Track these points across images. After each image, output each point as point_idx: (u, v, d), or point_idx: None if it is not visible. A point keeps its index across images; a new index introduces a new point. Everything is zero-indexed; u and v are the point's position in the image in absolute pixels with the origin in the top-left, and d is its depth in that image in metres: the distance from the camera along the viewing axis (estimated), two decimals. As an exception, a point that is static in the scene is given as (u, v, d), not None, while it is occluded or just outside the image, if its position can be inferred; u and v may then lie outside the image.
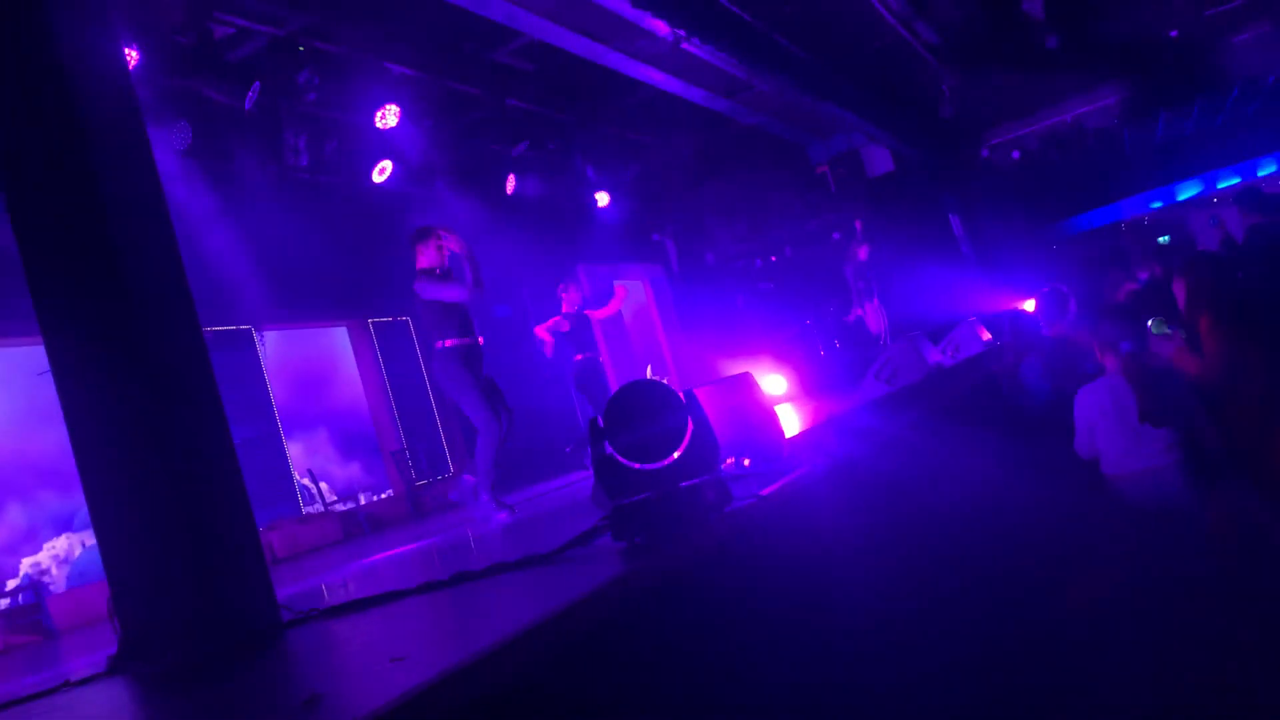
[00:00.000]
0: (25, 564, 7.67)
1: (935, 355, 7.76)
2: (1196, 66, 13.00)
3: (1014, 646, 3.22)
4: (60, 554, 7.72)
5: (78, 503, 7.61)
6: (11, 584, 7.38)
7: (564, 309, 8.93)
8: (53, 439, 7.32)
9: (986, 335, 9.21)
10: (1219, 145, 15.23)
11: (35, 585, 6.95)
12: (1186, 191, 16.17)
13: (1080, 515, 4.10)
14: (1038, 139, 14.90)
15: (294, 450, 9.58)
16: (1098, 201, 16.25)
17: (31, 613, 6.52)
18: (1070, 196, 15.73)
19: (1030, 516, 4.01)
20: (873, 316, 12.39)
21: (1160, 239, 17.33)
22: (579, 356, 8.85)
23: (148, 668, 3.16)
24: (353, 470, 10.65)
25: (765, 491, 3.25)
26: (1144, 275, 10.17)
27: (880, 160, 14.56)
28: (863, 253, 12.51)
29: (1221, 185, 15.86)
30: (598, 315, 9.10)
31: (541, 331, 8.82)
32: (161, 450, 3.30)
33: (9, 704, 3.15)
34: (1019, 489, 4.27)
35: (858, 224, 13.36)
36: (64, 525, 8.01)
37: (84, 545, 7.61)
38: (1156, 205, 16.70)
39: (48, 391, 3.53)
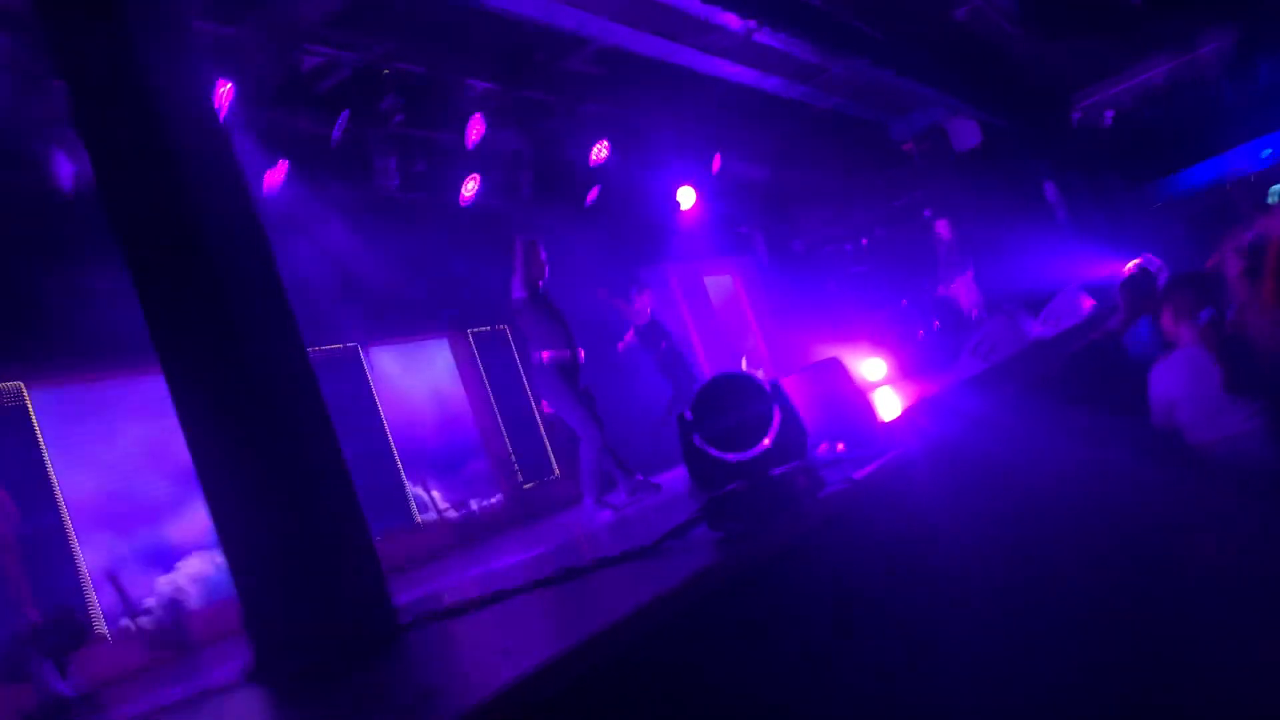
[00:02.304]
0: (163, 582, 8.08)
1: (1035, 327, 7.61)
2: (1296, 8, 12.42)
3: (1120, 626, 3.18)
4: (194, 572, 8.11)
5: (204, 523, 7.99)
6: (150, 602, 7.80)
7: (637, 320, 9.18)
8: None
9: (1089, 302, 8.98)
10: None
11: (174, 603, 7.33)
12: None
13: (1180, 487, 4.00)
14: (1131, 97, 14.41)
15: (405, 461, 9.88)
16: (1199, 156, 15.61)
17: (172, 629, 6.89)
18: (1170, 154, 15.15)
19: (1131, 492, 3.93)
20: (964, 293, 12.16)
21: (1271, 190, 16.58)
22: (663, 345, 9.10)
23: (278, 675, 3.35)
24: (461, 477, 10.92)
25: (858, 475, 3.28)
26: (1255, 230, 9.75)
27: (967, 133, 14.25)
28: (942, 229, 12.29)
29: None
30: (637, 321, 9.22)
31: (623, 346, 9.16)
32: (276, 469, 3.49)
33: (154, 712, 3.38)
34: (1119, 464, 4.18)
35: (926, 212, 13.17)
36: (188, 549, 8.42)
37: (216, 563, 7.99)
38: (1267, 154, 15.97)
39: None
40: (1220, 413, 4.18)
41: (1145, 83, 14.07)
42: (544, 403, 6.71)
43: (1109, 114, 14.78)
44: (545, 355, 6.50)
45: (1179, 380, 4.35)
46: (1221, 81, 13.70)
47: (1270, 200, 14.58)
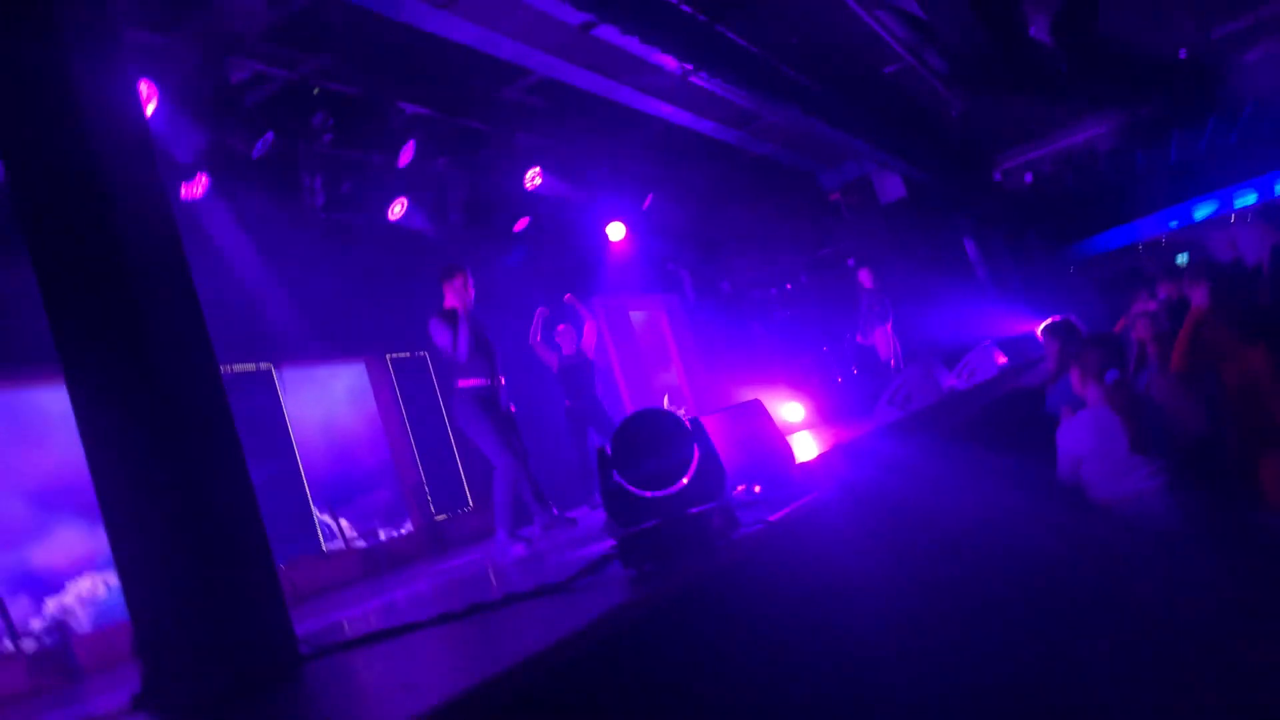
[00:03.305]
0: (50, 604, 7.74)
1: (949, 379, 7.77)
2: (1207, 86, 13.03)
3: (1025, 670, 3.22)
4: (84, 594, 7.78)
5: (99, 541, 7.69)
6: (36, 624, 7.45)
7: (564, 350, 9.00)
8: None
9: (1002, 358, 9.21)
10: (1234, 162, 15.21)
11: (61, 625, 7.01)
12: (1203, 210, 16.13)
13: (1090, 536, 4.10)
14: (1050, 161, 14.94)
15: (314, 487, 9.65)
16: (1113, 222, 16.23)
17: (58, 653, 6.58)
18: (1085, 218, 15.74)
19: (1042, 540, 4.01)
20: (882, 342, 12.40)
21: (1178, 257, 17.28)
22: (567, 403, 8.94)
23: (169, 703, 3.20)
24: (371, 505, 10.70)
25: (773, 517, 3.28)
26: (1163, 294, 10.15)
27: (893, 186, 14.61)
28: (865, 278, 12.55)
29: (1239, 204, 15.82)
30: (581, 344, 9.03)
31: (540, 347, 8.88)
32: (180, 488, 3.37)
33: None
34: (1030, 512, 4.26)
35: (850, 261, 13.46)
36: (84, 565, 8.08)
37: (107, 585, 7.67)
38: (1174, 225, 16.65)
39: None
40: (1124, 472, 4.29)
41: (1065, 148, 14.60)
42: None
43: (1028, 176, 15.30)
44: (467, 383, 6.43)
45: (1085, 438, 4.45)
46: (1136, 151, 14.28)
47: (1180, 264, 15.20)
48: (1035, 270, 15.13)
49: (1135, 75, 12.57)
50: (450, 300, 6.54)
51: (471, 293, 6.56)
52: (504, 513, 6.36)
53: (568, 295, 8.87)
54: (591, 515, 7.49)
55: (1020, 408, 6.63)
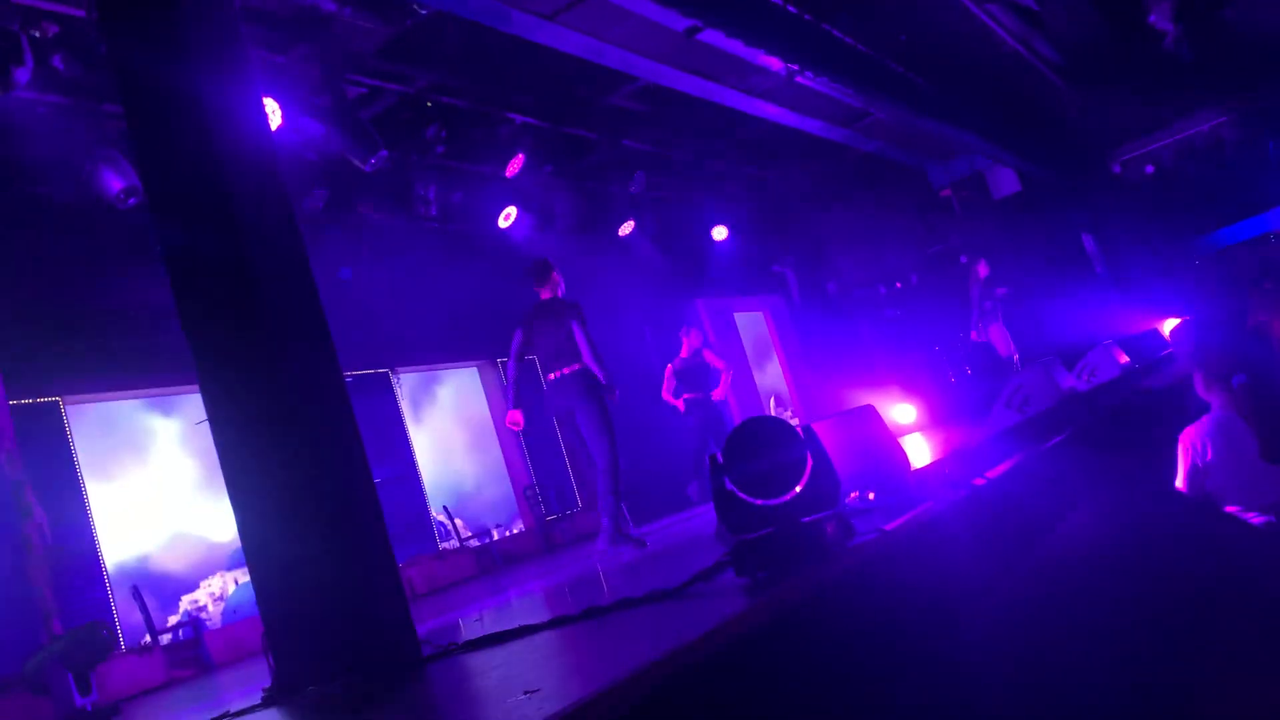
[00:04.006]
0: (184, 601, 8.13)
1: (1069, 380, 7.51)
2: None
3: (1153, 687, 3.11)
4: (215, 592, 8.15)
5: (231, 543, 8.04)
6: (172, 620, 7.83)
7: (683, 352, 9.27)
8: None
9: (1124, 358, 8.87)
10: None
11: (194, 621, 7.36)
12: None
13: (1225, 550, 3.91)
14: (1172, 152, 14.33)
15: (430, 488, 9.90)
16: (1243, 213, 15.46)
17: (191, 648, 6.91)
18: (1211, 209, 15.02)
19: (1172, 551, 3.85)
20: (1000, 339, 12.09)
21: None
22: (687, 396, 9.23)
23: (299, 700, 3.34)
24: (484, 506, 10.93)
25: (889, 526, 3.24)
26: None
27: (1006, 181, 14.23)
28: (982, 269, 12.24)
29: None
30: (674, 366, 9.39)
31: (667, 395, 9.43)
32: (308, 490, 3.50)
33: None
34: (1158, 522, 4.10)
35: (963, 259, 13.15)
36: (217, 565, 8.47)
37: (237, 583, 8.02)
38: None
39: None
40: (1258, 482, 4.06)
41: (1188, 138, 14.00)
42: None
43: (1149, 167, 14.70)
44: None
45: (1210, 446, 4.21)
46: (1266, 138, 13.60)
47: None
48: (1159, 265, 14.53)
49: (1263, 58, 11.98)
50: (544, 297, 6.68)
51: (563, 287, 6.72)
52: (608, 507, 6.38)
53: (707, 352, 9.42)
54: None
55: (1146, 410, 6.39)
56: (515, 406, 6.69)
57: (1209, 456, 4.19)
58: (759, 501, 2.97)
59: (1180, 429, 4.48)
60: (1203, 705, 2.99)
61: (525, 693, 2.17)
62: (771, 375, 14.57)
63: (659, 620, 2.87)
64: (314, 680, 3.35)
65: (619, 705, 1.91)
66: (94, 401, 7.90)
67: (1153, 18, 9.73)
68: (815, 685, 2.62)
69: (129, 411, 8.59)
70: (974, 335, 12.50)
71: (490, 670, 2.90)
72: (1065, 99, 11.91)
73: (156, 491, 8.57)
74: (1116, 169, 14.83)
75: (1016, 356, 11.82)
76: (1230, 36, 11.04)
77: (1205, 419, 4.26)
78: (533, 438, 10.75)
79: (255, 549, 3.63)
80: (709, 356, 9.47)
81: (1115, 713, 2.98)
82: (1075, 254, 14.44)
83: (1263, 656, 3.28)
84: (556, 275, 6.74)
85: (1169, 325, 9.06)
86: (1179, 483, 4.32)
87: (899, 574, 3.16)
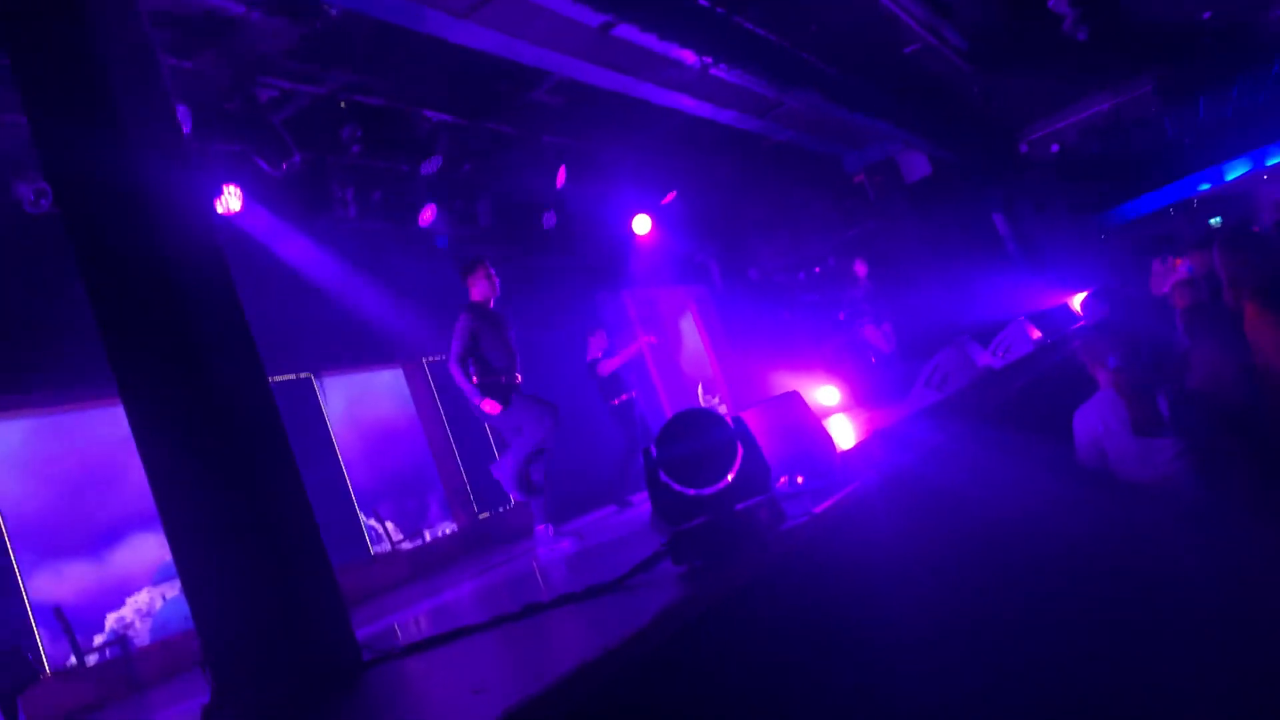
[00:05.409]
0: (110, 619, 7.93)
1: (985, 358, 7.74)
2: (1232, 46, 12.87)
3: (1072, 661, 3.25)
4: (142, 607, 7.97)
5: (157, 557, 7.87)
6: (98, 639, 7.64)
7: (589, 355, 9.15)
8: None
9: (1037, 333, 9.16)
10: (1264, 122, 15.01)
11: (122, 639, 7.19)
12: (1235, 171, 15.93)
13: (1124, 519, 4.10)
14: (1076, 131, 14.82)
15: (358, 492, 9.80)
16: (1144, 187, 16.06)
17: (119, 666, 6.76)
18: (1114, 185, 15.58)
19: (1079, 524, 4.02)
20: (879, 342, 12.38)
21: (1211, 220, 17.08)
22: (614, 401, 9.10)
23: (239, 714, 3.31)
24: (415, 507, 10.86)
25: (818, 509, 3.33)
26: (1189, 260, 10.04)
27: (918, 165, 14.55)
28: (860, 269, 12.50)
29: (1271, 161, 15.61)
30: (613, 364, 9.15)
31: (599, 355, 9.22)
32: (240, 499, 3.46)
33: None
34: (1067, 495, 4.28)
35: (856, 263, 13.42)
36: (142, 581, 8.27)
37: (164, 598, 7.86)
38: (1205, 187, 16.47)
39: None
40: (1144, 455, 4.30)
41: (1090, 117, 14.48)
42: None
43: (1055, 146, 15.18)
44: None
45: (1096, 422, 4.49)
46: (1163, 116, 14.14)
47: (1213, 226, 15.04)
48: (1068, 241, 15.01)
49: (1158, 39, 12.45)
50: (476, 295, 6.65)
51: (497, 282, 6.70)
52: (539, 505, 6.43)
53: (650, 337, 9.53)
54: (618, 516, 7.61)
55: (1057, 384, 6.62)
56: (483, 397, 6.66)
57: (1099, 430, 4.46)
58: (692, 491, 3.03)
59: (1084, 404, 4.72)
60: (1113, 661, 3.14)
61: (474, 691, 2.20)
62: (699, 363, 14.70)
63: (601, 613, 2.91)
64: (254, 692, 3.33)
65: (574, 696, 1.95)
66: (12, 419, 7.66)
67: (1051, 2, 10.03)
68: (755, 668, 2.69)
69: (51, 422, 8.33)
70: (867, 333, 12.80)
71: (434, 672, 2.91)
72: (972, 83, 12.22)
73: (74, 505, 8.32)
74: (1024, 149, 15.28)
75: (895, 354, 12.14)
76: (1126, 19, 11.45)
77: (1095, 396, 4.54)
78: (462, 438, 10.72)
79: (186, 561, 3.58)
80: (604, 366, 9.15)
81: (1037, 679, 3.12)
82: (987, 233, 14.85)
83: (1163, 613, 3.46)
84: (473, 276, 6.74)
85: (1079, 299, 9.36)
86: (1080, 456, 4.57)
87: (829, 555, 3.26)
